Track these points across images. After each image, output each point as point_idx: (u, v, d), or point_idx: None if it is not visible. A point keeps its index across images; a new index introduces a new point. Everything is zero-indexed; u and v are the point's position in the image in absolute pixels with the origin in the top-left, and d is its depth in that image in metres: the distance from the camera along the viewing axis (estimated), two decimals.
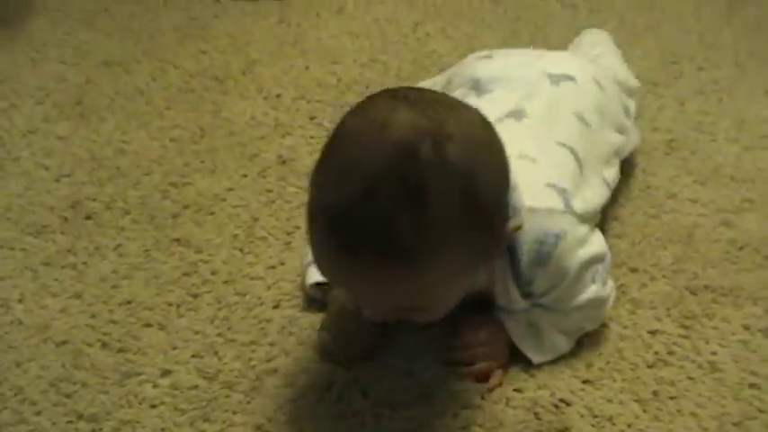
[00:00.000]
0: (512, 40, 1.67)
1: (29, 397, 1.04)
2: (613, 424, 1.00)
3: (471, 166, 0.87)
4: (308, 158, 1.36)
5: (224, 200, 1.31)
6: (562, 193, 1.04)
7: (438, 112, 0.89)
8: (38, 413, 1.02)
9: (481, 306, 1.06)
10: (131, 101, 1.54)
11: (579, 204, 1.05)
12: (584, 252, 1.02)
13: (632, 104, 1.32)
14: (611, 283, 1.08)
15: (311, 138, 1.42)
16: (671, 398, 1.03)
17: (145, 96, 1.55)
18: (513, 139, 0.96)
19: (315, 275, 1.07)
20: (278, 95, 1.54)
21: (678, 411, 1.02)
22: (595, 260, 1.04)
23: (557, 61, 1.23)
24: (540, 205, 1.00)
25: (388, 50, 1.67)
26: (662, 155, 1.38)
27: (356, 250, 0.85)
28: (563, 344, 1.06)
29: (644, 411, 1.02)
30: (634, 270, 1.18)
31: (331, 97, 1.53)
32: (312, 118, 1.48)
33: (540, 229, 0.99)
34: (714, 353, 1.08)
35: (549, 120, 1.12)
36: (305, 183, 1.28)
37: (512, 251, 1.00)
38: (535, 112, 1.12)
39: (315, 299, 1.12)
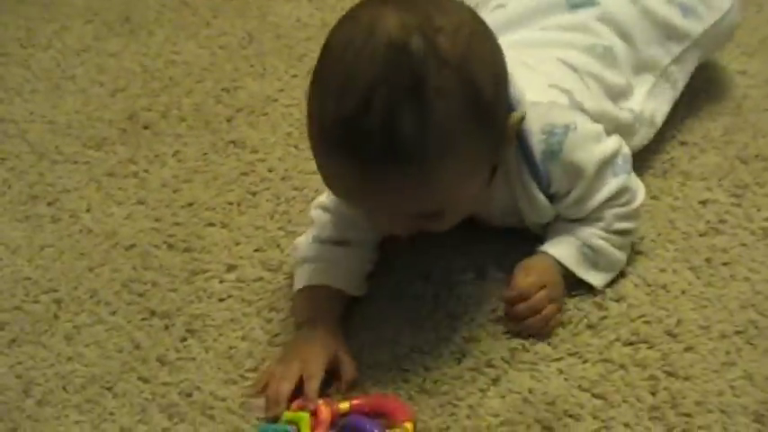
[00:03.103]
0: None
1: (103, 299, 1.09)
2: (668, 291, 1.02)
3: (465, 56, 0.86)
4: None
5: (275, 100, 1.34)
6: (566, 92, 1.02)
7: (424, 8, 0.88)
8: (113, 313, 1.07)
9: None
10: (178, 13, 1.57)
11: (588, 103, 1.03)
12: (600, 149, 0.99)
13: (693, 24, 1.18)
14: (636, 179, 1.03)
15: None
16: (724, 264, 1.05)
17: (191, 7, 1.57)
18: (511, 49, 0.94)
19: (294, 286, 1.03)
20: None
21: (731, 276, 1.03)
22: (613, 156, 1.00)
23: None
24: (543, 99, 0.99)
25: None
26: None
27: (365, 162, 0.85)
28: (620, 257, 1.02)
29: (697, 278, 1.03)
30: (683, 143, 1.19)
31: None
32: None
33: (546, 120, 0.97)
34: (766, 219, 1.09)
35: (557, 48, 1.09)
36: None
37: (524, 150, 0.98)
38: (546, 43, 1.09)
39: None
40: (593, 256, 1.00)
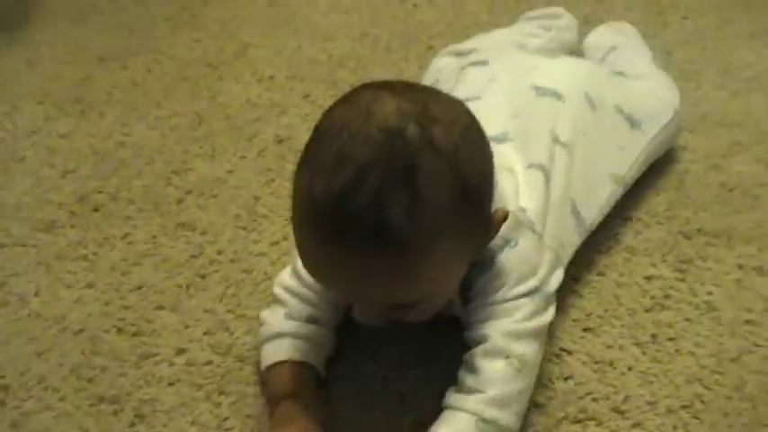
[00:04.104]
0: (499, 5, 1.70)
1: (51, 384, 1.08)
2: (614, 368, 1.03)
3: (458, 148, 0.87)
4: (304, 136, 1.33)
5: (225, 182, 1.35)
6: (523, 210, 1.02)
7: (421, 97, 0.89)
8: (61, 399, 1.06)
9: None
10: (129, 94, 1.57)
11: (540, 228, 1.03)
12: (527, 281, 0.98)
13: (638, 136, 1.21)
14: (550, 311, 1.00)
15: (306, 115, 1.45)
16: (669, 339, 1.06)
17: (141, 88, 1.58)
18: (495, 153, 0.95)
19: (267, 358, 1.03)
20: (271, 77, 1.57)
21: (677, 351, 1.05)
22: (534, 291, 0.98)
23: (547, 74, 1.20)
24: (507, 206, 0.99)
25: (378, 23, 1.69)
26: None
27: (348, 239, 0.84)
28: (513, 422, 0.94)
29: (643, 354, 1.05)
30: (627, 219, 1.21)
31: (324, 74, 1.56)
32: (306, 96, 1.51)
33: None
34: (710, 293, 1.11)
35: (526, 139, 1.09)
36: None
37: None
38: (517, 134, 1.09)
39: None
40: (490, 429, 0.93)
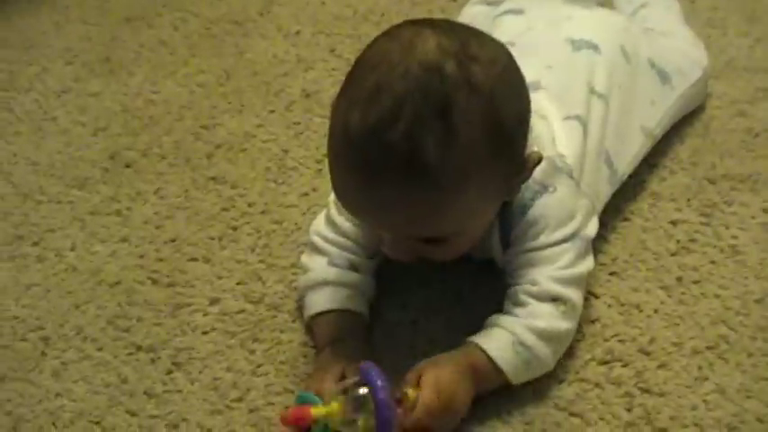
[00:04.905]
0: None
1: (89, 335, 1.11)
2: (640, 311, 1.05)
3: (495, 87, 0.88)
4: (331, 90, 1.41)
5: (254, 136, 1.36)
6: (561, 157, 1.03)
7: (462, 36, 0.91)
8: (99, 349, 1.09)
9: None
10: (156, 53, 1.59)
11: (577, 175, 1.03)
12: (565, 227, 0.99)
13: (667, 92, 1.22)
14: (589, 258, 1.02)
15: (333, 70, 1.47)
16: (694, 282, 1.08)
17: (168, 47, 1.59)
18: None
19: (313, 307, 1.04)
20: (297, 32, 1.58)
21: (702, 294, 1.06)
22: (572, 235, 0.99)
23: (583, 25, 1.19)
24: (545, 153, 0.98)
25: None
26: None
27: (381, 170, 0.86)
28: (549, 359, 0.97)
29: (669, 297, 1.06)
30: (653, 165, 1.22)
31: (349, 29, 1.56)
32: (332, 50, 1.52)
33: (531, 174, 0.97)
34: (735, 237, 1.12)
35: (562, 92, 1.09)
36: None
37: None
38: (551, 84, 1.09)
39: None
40: (527, 358, 0.95)
